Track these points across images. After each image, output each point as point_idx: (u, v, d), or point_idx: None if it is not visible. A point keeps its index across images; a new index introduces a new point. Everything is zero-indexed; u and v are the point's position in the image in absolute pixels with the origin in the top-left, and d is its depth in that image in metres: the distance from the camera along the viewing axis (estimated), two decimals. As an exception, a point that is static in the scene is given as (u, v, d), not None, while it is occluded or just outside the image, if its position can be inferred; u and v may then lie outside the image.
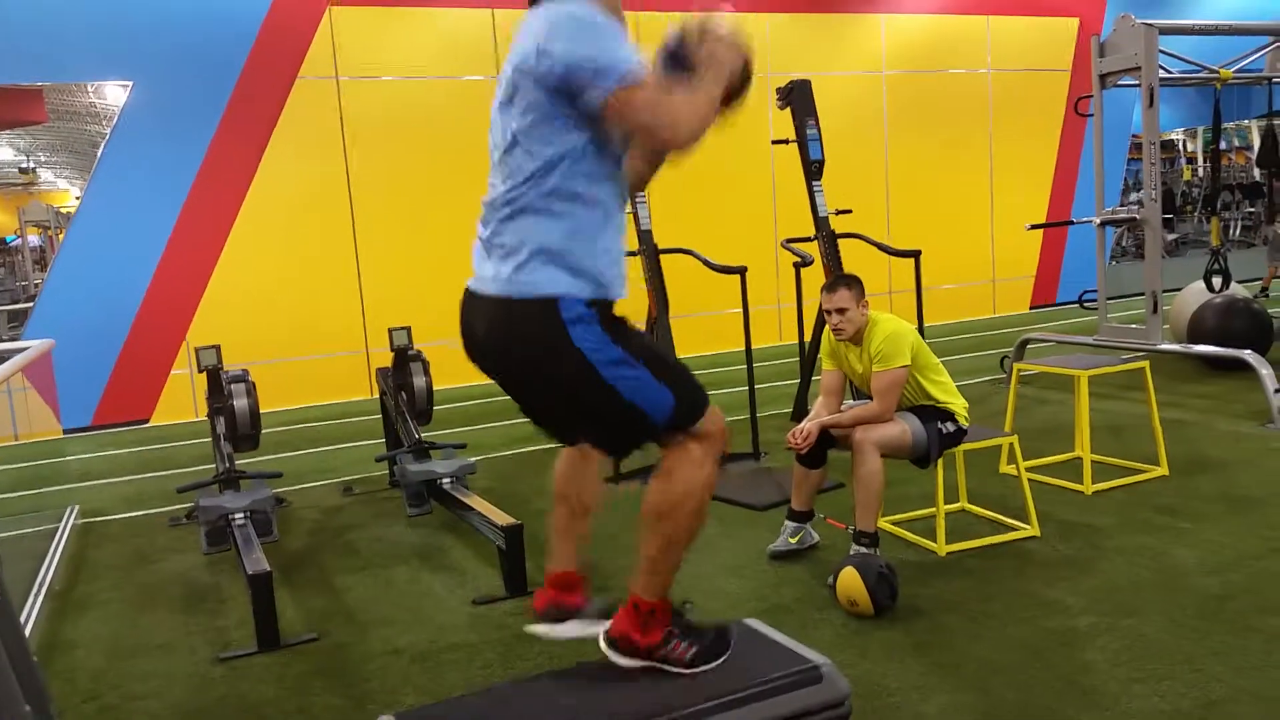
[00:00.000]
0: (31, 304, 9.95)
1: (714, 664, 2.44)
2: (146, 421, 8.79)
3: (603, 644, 2.45)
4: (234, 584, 4.42)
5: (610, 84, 2.05)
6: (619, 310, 2.30)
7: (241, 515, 4.57)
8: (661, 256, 6.11)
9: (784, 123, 6.59)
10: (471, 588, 4.20)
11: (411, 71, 9.49)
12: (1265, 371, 6.15)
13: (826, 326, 4.25)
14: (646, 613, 2.38)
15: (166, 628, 4.01)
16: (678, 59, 2.24)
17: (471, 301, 2.30)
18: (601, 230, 2.23)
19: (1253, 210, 16.73)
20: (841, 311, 4.04)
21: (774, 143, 6.88)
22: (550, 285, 2.16)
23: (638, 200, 6.01)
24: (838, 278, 4.15)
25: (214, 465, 5.56)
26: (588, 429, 2.39)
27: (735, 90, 2.23)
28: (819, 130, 6.36)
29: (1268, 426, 5.92)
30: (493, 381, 2.39)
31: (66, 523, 5.50)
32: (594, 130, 2.18)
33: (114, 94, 10.08)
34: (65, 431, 8.18)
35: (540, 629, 2.63)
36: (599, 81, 2.06)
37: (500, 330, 2.24)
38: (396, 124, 9.43)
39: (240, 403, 5.46)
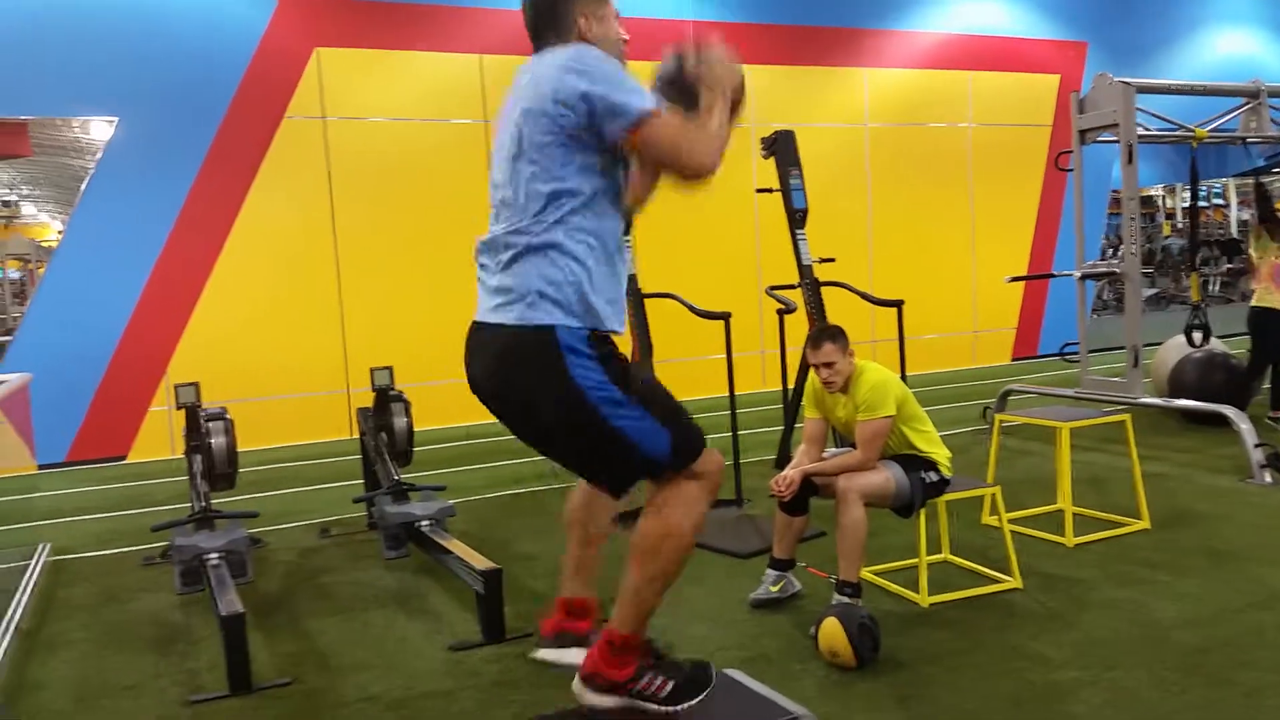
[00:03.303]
0: (9, 337, 9.85)
1: (694, 700, 2.39)
2: (123, 458, 8.69)
3: (576, 685, 2.41)
4: (206, 625, 4.34)
5: (631, 120, 2.14)
6: (618, 349, 2.36)
7: (216, 556, 4.52)
8: (646, 301, 6.12)
9: (768, 172, 6.64)
10: (449, 633, 4.14)
11: (398, 114, 9.54)
12: (1245, 426, 6.19)
13: (810, 374, 4.25)
14: (620, 646, 2.35)
15: (136, 669, 3.93)
16: (676, 85, 2.32)
17: (475, 334, 2.38)
18: (601, 268, 2.29)
19: (1231, 266, 16.94)
20: (829, 365, 4.05)
21: (758, 191, 6.93)
22: (548, 317, 2.22)
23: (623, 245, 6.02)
24: (820, 332, 4.12)
25: (190, 504, 5.48)
26: (584, 463, 2.44)
27: (735, 105, 2.32)
28: (802, 180, 6.41)
29: (1247, 481, 5.94)
30: (493, 419, 2.43)
31: (37, 560, 5.40)
32: (602, 172, 2.26)
33: (99, 129, 10.05)
34: (39, 467, 8.07)
35: (546, 654, 2.62)
36: (619, 118, 2.15)
37: (498, 359, 2.30)
38: (382, 165, 9.45)
39: (218, 441, 5.40)
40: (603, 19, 2.38)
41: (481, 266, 2.39)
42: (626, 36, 2.44)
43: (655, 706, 2.37)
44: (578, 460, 2.45)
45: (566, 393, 2.22)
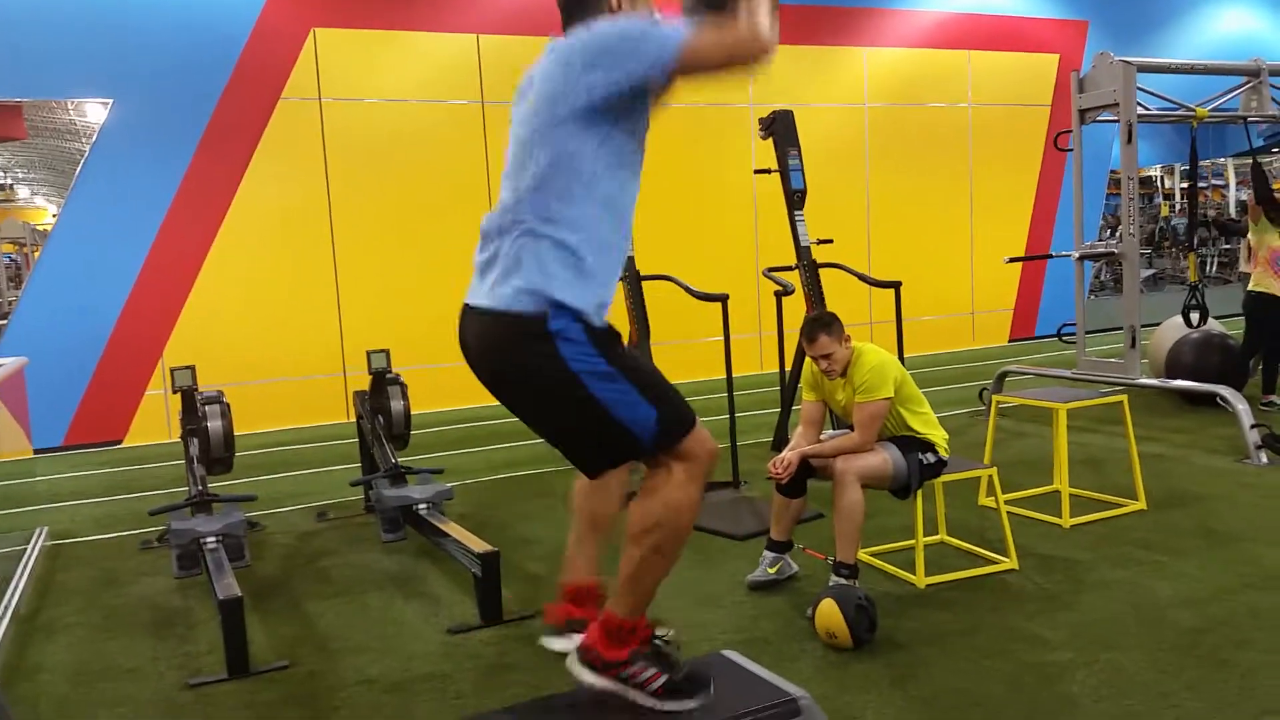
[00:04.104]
0: (4, 321, 9.84)
1: (685, 705, 2.33)
2: (120, 442, 8.69)
3: (571, 659, 2.38)
4: (204, 609, 4.35)
5: (668, 59, 2.08)
6: (608, 325, 2.30)
7: (213, 539, 4.51)
8: (643, 283, 6.11)
9: (766, 152, 6.62)
10: (446, 616, 4.15)
11: (395, 95, 9.50)
12: (1241, 407, 6.19)
13: (808, 357, 4.24)
14: (616, 628, 2.31)
15: (134, 653, 3.94)
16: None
17: (465, 315, 2.33)
18: (608, 237, 2.25)
19: (1228, 247, 16.93)
20: (827, 356, 4.04)
21: (756, 172, 6.91)
22: (538, 299, 2.18)
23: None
24: (813, 324, 4.09)
25: (187, 488, 5.48)
26: (567, 442, 2.34)
27: None
28: (801, 160, 6.39)
29: (1244, 462, 5.95)
30: (490, 403, 2.38)
31: (35, 545, 5.40)
32: (625, 120, 2.21)
33: (94, 112, 10.02)
34: (36, 451, 8.06)
35: (554, 643, 2.56)
36: (658, 64, 2.09)
37: (487, 342, 2.27)
38: (379, 147, 9.42)
39: (214, 424, 5.40)
40: None
41: (481, 246, 2.37)
42: (658, 10, 2.36)
43: (642, 696, 2.31)
44: (558, 437, 2.35)
45: (550, 365, 2.19)
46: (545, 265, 2.19)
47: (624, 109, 2.19)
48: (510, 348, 2.23)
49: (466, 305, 2.33)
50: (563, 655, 2.46)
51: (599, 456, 2.33)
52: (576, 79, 2.14)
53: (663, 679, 2.33)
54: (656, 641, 2.40)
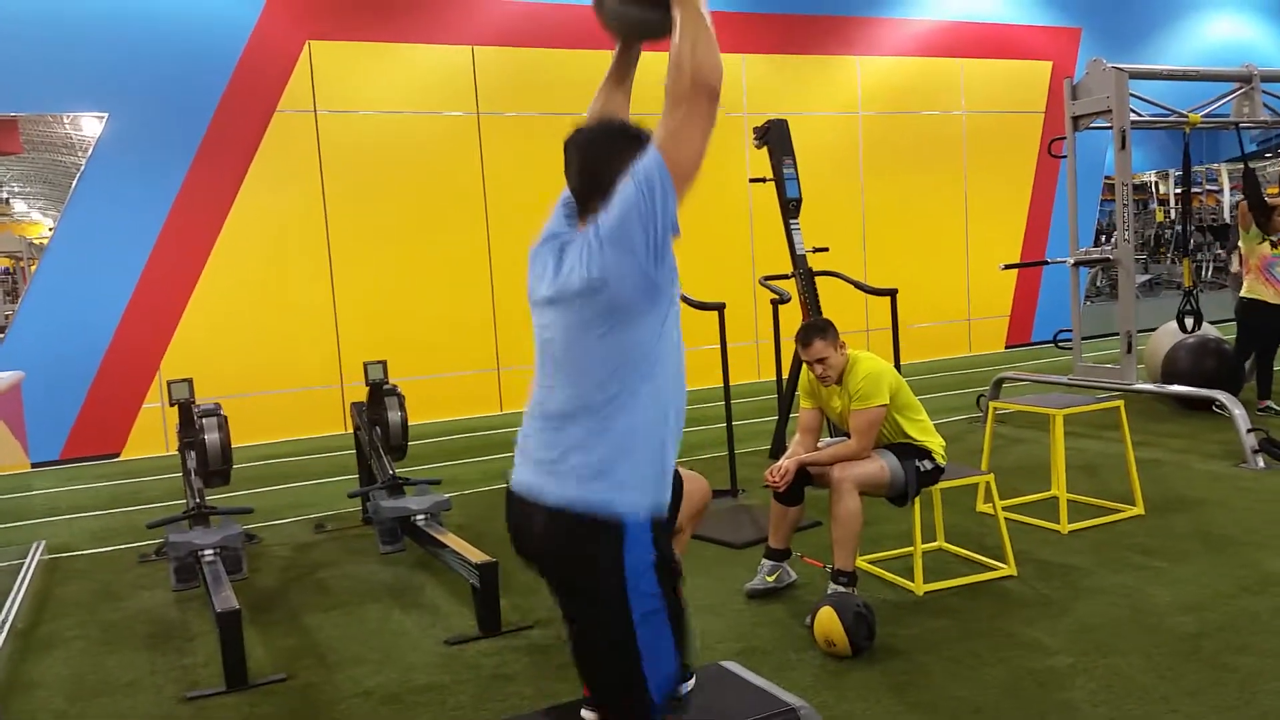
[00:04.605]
0: (1, 335, 9.83)
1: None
2: (117, 456, 8.67)
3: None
4: (202, 622, 4.34)
5: (669, 187, 1.89)
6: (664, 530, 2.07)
7: (211, 552, 4.51)
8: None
9: (761, 161, 6.63)
10: (444, 627, 4.14)
11: (390, 106, 9.51)
12: (1238, 412, 6.19)
13: (805, 365, 4.25)
14: None
15: (132, 667, 3.93)
16: None
17: (522, 506, 2.09)
18: (672, 419, 2.05)
19: (1220, 251, 16.98)
20: (822, 361, 4.04)
21: (751, 181, 6.91)
22: (610, 499, 1.95)
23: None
24: (808, 329, 4.09)
25: (184, 500, 5.48)
26: (585, 665, 2.12)
27: None
28: (796, 169, 6.40)
29: (1241, 466, 5.95)
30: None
31: (32, 559, 5.39)
32: (657, 290, 1.97)
33: (90, 125, 10.02)
34: (33, 465, 8.06)
35: (590, 715, 2.53)
36: (669, 198, 1.90)
37: (550, 538, 2.04)
38: (375, 159, 9.43)
39: (211, 437, 5.39)
40: None
41: (534, 429, 2.13)
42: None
43: None
44: (580, 650, 2.12)
45: (608, 577, 1.97)
46: (618, 450, 1.97)
47: (663, 255, 1.95)
48: (573, 550, 2.01)
49: (521, 497, 2.08)
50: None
51: (601, 692, 2.12)
52: (616, 272, 1.92)
53: None
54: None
